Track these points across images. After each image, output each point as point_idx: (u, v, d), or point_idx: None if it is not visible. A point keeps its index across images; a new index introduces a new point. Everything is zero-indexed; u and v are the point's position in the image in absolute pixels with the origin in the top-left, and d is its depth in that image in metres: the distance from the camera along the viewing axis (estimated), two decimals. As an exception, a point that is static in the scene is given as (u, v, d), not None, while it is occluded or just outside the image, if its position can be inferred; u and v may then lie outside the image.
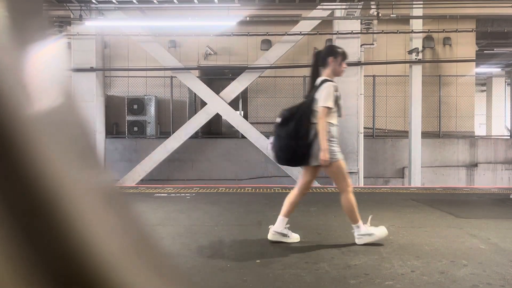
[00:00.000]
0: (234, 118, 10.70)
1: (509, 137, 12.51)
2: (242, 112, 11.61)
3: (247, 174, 11.08)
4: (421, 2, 10.18)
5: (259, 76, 11.15)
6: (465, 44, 12.32)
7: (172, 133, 10.92)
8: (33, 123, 0.36)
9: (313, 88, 3.42)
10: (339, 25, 9.86)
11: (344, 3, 9.63)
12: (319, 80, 3.39)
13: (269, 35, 11.00)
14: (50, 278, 0.35)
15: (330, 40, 11.47)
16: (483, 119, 16.91)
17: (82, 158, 0.40)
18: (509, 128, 13.71)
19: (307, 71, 11.56)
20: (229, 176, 11.08)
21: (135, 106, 11.72)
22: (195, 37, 11.32)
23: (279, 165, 10.51)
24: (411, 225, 4.11)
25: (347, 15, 9.81)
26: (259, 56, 11.34)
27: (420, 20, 10.55)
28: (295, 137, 3.27)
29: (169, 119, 11.76)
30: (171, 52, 11.54)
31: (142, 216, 0.46)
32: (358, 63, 9.90)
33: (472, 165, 11.38)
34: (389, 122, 11.95)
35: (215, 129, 13.20)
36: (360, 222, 3.38)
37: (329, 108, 3.26)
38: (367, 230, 3.38)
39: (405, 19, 10.59)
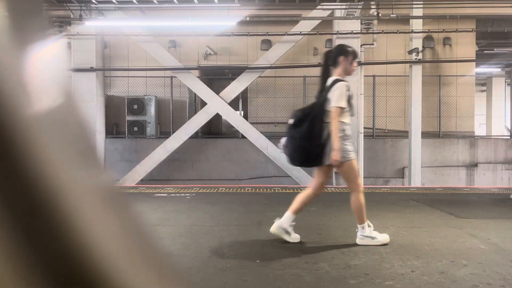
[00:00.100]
0: (234, 118, 10.70)
1: (509, 137, 12.51)
2: (242, 112, 11.61)
3: (247, 174, 11.08)
4: (421, 2, 10.17)
5: (259, 76, 11.15)
6: (465, 44, 12.32)
7: (172, 133, 10.92)
8: (33, 123, 0.36)
9: (324, 88, 3.40)
10: (339, 25, 9.86)
11: (344, 3, 9.62)
12: (330, 79, 3.38)
13: (269, 35, 11.00)
14: (50, 278, 0.35)
15: (330, 40, 11.47)
16: (483, 119, 16.91)
17: (82, 158, 0.40)
18: (509, 128, 13.71)
19: (307, 71, 11.59)
20: (229, 176, 11.07)
21: (135, 106, 11.72)
22: (195, 37, 11.32)
23: (279, 166, 10.53)
24: (411, 225, 4.11)
25: (347, 15, 9.81)
26: (259, 56, 11.34)
27: (420, 20, 10.55)
28: (309, 138, 3.27)
29: (169, 119, 11.76)
30: (171, 52, 11.54)
31: (142, 216, 0.46)
32: (358, 63, 9.88)
33: (472, 165, 11.38)
34: (389, 122, 11.95)
35: (215, 129, 13.20)
36: (366, 224, 3.38)
37: (342, 108, 3.26)
38: (371, 233, 3.38)
39: (405, 19, 10.59)
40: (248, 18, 10.30)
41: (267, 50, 11.28)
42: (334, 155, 3.21)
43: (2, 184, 0.34)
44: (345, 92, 3.29)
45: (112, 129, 12.09)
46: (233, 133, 11.90)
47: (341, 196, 6.25)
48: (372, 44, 10.63)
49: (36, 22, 0.40)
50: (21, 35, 0.37)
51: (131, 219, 0.43)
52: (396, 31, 10.41)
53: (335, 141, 3.21)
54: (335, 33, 9.94)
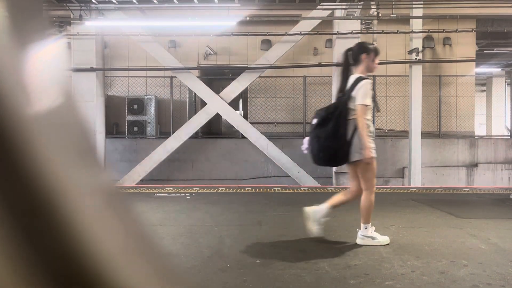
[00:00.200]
0: (234, 118, 10.70)
1: (509, 137, 12.51)
2: (242, 112, 11.61)
3: (247, 174, 11.08)
4: (421, 2, 10.17)
5: (259, 76, 11.15)
6: (465, 44, 12.32)
7: (172, 133, 10.92)
8: (33, 123, 0.36)
9: (345, 86, 3.38)
10: (339, 25, 9.86)
11: (344, 3, 9.63)
12: (352, 77, 3.37)
13: (269, 35, 11.00)
14: (50, 278, 0.35)
15: (330, 40, 11.47)
16: (483, 119, 16.92)
17: (82, 158, 0.40)
18: (509, 128, 13.71)
19: (307, 71, 11.59)
20: (229, 176, 11.07)
21: (135, 106, 11.72)
22: (195, 37, 11.32)
23: (279, 166, 10.53)
24: (411, 225, 4.11)
25: (347, 15, 9.81)
26: (259, 56, 11.34)
27: (420, 20, 10.55)
28: (335, 137, 3.25)
29: (169, 119, 11.76)
30: (171, 52, 11.54)
31: (142, 216, 0.46)
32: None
33: (472, 165, 11.38)
34: (389, 122, 11.95)
35: (215, 129, 13.20)
36: (370, 224, 3.39)
37: (367, 106, 3.26)
38: (372, 234, 3.39)
39: (405, 19, 10.59)
40: (248, 18, 10.30)
41: (267, 50, 11.28)
42: (366, 153, 3.21)
43: (2, 184, 0.34)
44: (370, 90, 3.29)
45: (112, 129, 12.09)
46: (233, 133, 11.90)
47: (341, 196, 6.25)
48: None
49: (36, 22, 0.40)
50: (21, 35, 0.37)
51: (131, 219, 0.43)
52: (396, 31, 10.41)
53: (364, 139, 3.21)
54: (335, 33, 9.95)
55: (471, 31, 11.49)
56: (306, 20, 10.54)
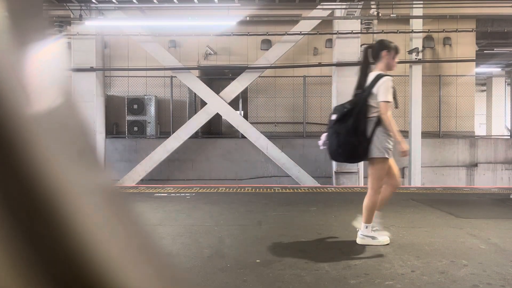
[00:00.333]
0: (234, 118, 10.69)
1: (509, 137, 12.51)
2: (242, 112, 11.60)
3: (247, 174, 11.08)
4: (421, 2, 10.17)
5: (259, 76, 11.15)
6: (465, 44, 12.32)
7: (172, 133, 10.92)
8: (33, 123, 0.36)
9: (364, 82, 3.39)
10: (339, 25, 9.86)
11: (344, 3, 9.62)
12: (372, 74, 3.38)
13: (269, 35, 11.00)
14: (50, 278, 0.35)
15: (330, 40, 11.47)
16: (483, 119, 16.91)
17: (82, 158, 0.40)
18: (509, 128, 13.71)
19: (307, 71, 11.59)
20: (229, 176, 11.07)
21: (135, 106, 11.71)
22: (195, 37, 11.32)
23: (279, 166, 10.53)
24: (411, 225, 4.11)
25: (347, 15, 9.81)
26: (259, 56, 11.33)
27: (420, 20, 10.54)
28: (355, 133, 3.25)
29: (169, 119, 11.76)
30: (171, 52, 11.53)
31: (142, 216, 0.46)
32: (358, 63, 9.88)
33: (472, 165, 11.38)
34: (389, 122, 11.93)
35: (215, 129, 13.20)
36: (371, 224, 3.39)
37: (389, 102, 3.27)
38: (373, 234, 3.39)
39: (405, 19, 10.59)
40: (248, 18, 10.30)
41: (267, 50, 11.28)
42: (402, 147, 3.23)
43: (2, 184, 0.34)
44: (391, 87, 3.29)
45: (112, 129, 12.09)
46: (233, 133, 11.90)
47: (341, 196, 6.26)
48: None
49: (36, 22, 0.40)
50: (21, 35, 0.37)
51: (131, 219, 0.43)
52: (396, 31, 10.41)
53: (395, 134, 3.23)
54: (335, 33, 9.95)
55: (471, 31, 11.48)
56: (306, 20, 10.54)
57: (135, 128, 11.73)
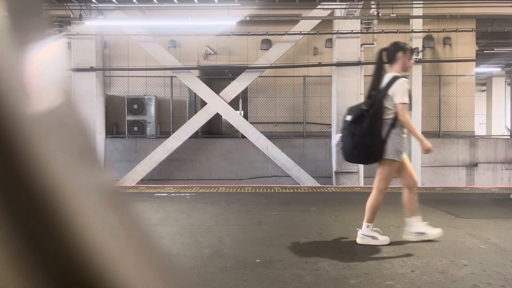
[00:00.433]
0: (234, 118, 10.69)
1: (509, 137, 12.51)
2: (242, 112, 11.60)
3: (247, 174, 11.08)
4: (421, 2, 10.17)
5: (259, 76, 11.15)
6: (465, 44, 12.32)
7: (172, 133, 10.92)
8: (33, 123, 0.36)
9: (378, 84, 3.39)
10: (339, 25, 9.86)
11: (344, 3, 9.62)
12: (388, 76, 3.39)
13: (269, 35, 11.00)
14: (50, 278, 0.35)
15: (330, 40, 11.47)
16: (483, 119, 16.91)
17: (82, 158, 0.40)
18: (509, 128, 13.71)
19: (307, 71, 11.59)
20: (229, 176, 11.07)
21: (135, 106, 11.71)
22: (195, 37, 11.31)
23: (279, 166, 10.53)
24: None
25: (347, 14, 9.81)
26: (259, 56, 11.33)
27: (420, 20, 10.54)
28: (370, 134, 3.26)
29: (169, 119, 11.75)
30: (171, 52, 11.53)
31: (142, 216, 0.46)
32: (358, 63, 9.89)
33: (472, 165, 11.38)
34: (389, 122, 11.93)
35: (215, 129, 13.19)
36: (372, 224, 3.39)
37: (406, 104, 3.28)
38: (373, 233, 3.39)
39: (405, 19, 10.58)
40: (248, 17, 10.30)
41: (267, 50, 11.27)
42: (425, 145, 3.25)
43: (2, 184, 0.34)
44: (407, 88, 3.31)
45: (112, 129, 12.09)
46: (233, 133, 11.90)
47: (341, 196, 6.26)
48: (372, 44, 10.63)
49: (36, 22, 0.40)
50: (21, 35, 0.37)
51: (131, 219, 0.43)
52: (396, 30, 10.41)
53: (416, 134, 3.25)
54: (335, 33, 9.94)
55: (471, 31, 11.48)
56: (306, 20, 10.53)
57: (135, 128, 11.73)
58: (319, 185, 9.64)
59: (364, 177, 10.08)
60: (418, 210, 3.54)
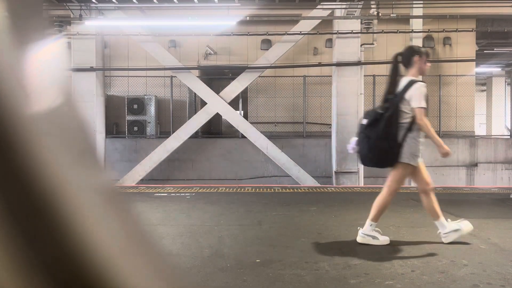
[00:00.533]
0: (234, 117, 10.70)
1: (509, 137, 12.51)
2: (242, 112, 11.60)
3: (247, 174, 11.08)
4: (421, 2, 10.17)
5: (259, 76, 11.15)
6: (465, 44, 12.32)
7: (172, 133, 10.92)
8: (33, 123, 0.36)
9: (394, 88, 3.40)
10: (339, 25, 9.86)
11: (344, 3, 9.62)
12: (404, 80, 3.39)
13: (269, 35, 11.00)
14: (50, 279, 0.35)
15: (330, 40, 11.47)
16: (483, 119, 16.91)
17: (82, 158, 0.40)
18: (509, 128, 13.71)
19: (307, 71, 11.58)
20: (229, 176, 11.07)
21: (135, 106, 11.71)
22: (195, 37, 11.32)
23: (279, 165, 10.53)
24: (411, 225, 4.11)
25: (347, 14, 9.81)
26: (259, 56, 11.33)
27: (420, 20, 10.54)
28: (386, 138, 3.26)
29: (169, 119, 11.75)
30: (171, 52, 11.53)
31: (142, 216, 0.46)
32: (358, 63, 9.89)
33: (472, 165, 11.38)
34: (389, 122, 11.93)
35: (215, 129, 13.20)
36: (375, 224, 3.39)
37: (424, 108, 3.28)
38: (374, 233, 3.39)
39: (405, 19, 10.58)
40: (248, 17, 10.30)
41: (267, 49, 11.27)
42: (443, 149, 3.27)
43: (2, 184, 0.34)
44: (425, 92, 3.31)
45: (112, 129, 12.09)
46: (233, 133, 11.90)
47: (341, 196, 6.26)
48: (372, 44, 10.64)
49: (36, 22, 0.40)
50: (21, 35, 0.37)
51: (131, 219, 0.43)
52: (396, 30, 10.41)
53: (435, 139, 3.26)
54: (335, 33, 9.94)
55: (471, 31, 11.48)
56: (306, 19, 10.54)
57: (135, 128, 11.73)
58: (319, 185, 9.64)
59: (364, 177, 10.08)
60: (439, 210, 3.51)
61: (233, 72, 11.98)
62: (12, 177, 0.34)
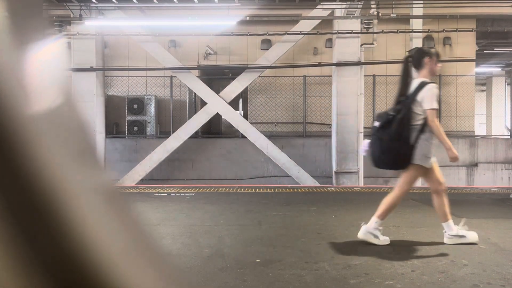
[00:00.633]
0: (234, 117, 10.70)
1: (509, 137, 12.51)
2: (242, 112, 11.60)
3: (247, 174, 11.08)
4: (421, 2, 10.17)
5: (259, 76, 11.15)
6: (465, 44, 12.32)
7: (172, 133, 10.92)
8: (33, 123, 0.36)
9: (405, 90, 3.41)
10: (339, 25, 9.86)
11: (344, 3, 9.62)
12: (416, 82, 3.40)
13: (269, 34, 11.00)
14: (50, 278, 0.35)
15: (330, 40, 11.47)
16: (483, 119, 16.91)
17: (82, 158, 0.40)
18: (509, 128, 13.71)
19: (307, 71, 11.59)
20: (229, 176, 11.07)
21: (135, 106, 11.71)
22: (195, 37, 11.31)
23: (279, 165, 10.53)
24: (411, 225, 4.11)
25: (347, 14, 9.81)
26: (259, 56, 11.33)
27: (420, 20, 10.54)
28: (398, 140, 3.27)
29: (169, 119, 11.76)
30: (171, 52, 11.53)
31: (142, 216, 0.46)
32: (358, 63, 9.89)
33: (472, 165, 11.38)
34: (389, 122, 11.93)
35: (215, 129, 13.20)
36: (381, 222, 3.39)
37: (436, 109, 3.29)
38: (377, 232, 3.39)
39: (405, 19, 10.58)
40: (248, 17, 10.30)
41: (267, 49, 11.27)
42: (451, 153, 3.26)
43: (2, 184, 0.34)
44: (436, 94, 3.32)
45: (112, 129, 12.09)
46: (233, 133, 11.90)
47: (341, 196, 6.26)
48: (372, 44, 10.64)
49: (36, 22, 0.40)
50: (21, 34, 0.37)
51: (131, 219, 0.43)
52: (396, 30, 10.41)
53: (444, 141, 3.25)
54: (335, 33, 9.95)
55: (471, 31, 11.48)
56: (306, 19, 10.54)
57: (135, 128, 11.73)
58: (319, 185, 9.64)
59: (364, 177, 10.08)
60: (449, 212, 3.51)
61: (233, 72, 11.98)
62: (12, 177, 0.34)
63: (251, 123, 11.03)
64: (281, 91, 12.18)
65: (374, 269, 2.81)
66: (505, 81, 16.99)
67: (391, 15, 9.82)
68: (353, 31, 9.76)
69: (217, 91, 10.81)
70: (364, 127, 10.27)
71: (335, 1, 9.63)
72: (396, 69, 12.98)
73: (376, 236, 3.38)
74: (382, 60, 11.58)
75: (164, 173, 11.07)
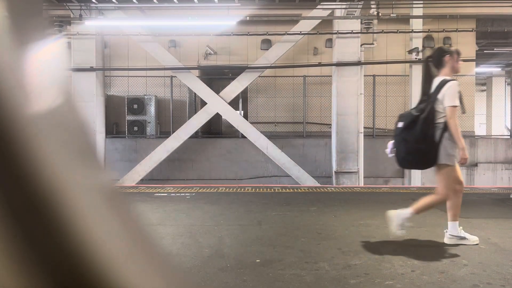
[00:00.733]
0: (234, 117, 10.70)
1: (509, 137, 12.51)
2: (242, 112, 11.60)
3: (247, 174, 11.08)
4: (421, 2, 10.17)
5: (259, 76, 11.15)
6: (465, 44, 12.31)
7: (172, 133, 10.92)
8: (33, 123, 0.36)
9: (428, 89, 3.40)
10: (339, 25, 9.86)
11: (344, 3, 9.62)
12: (437, 80, 3.40)
13: (269, 34, 10.99)
14: (50, 278, 0.35)
15: (330, 40, 11.47)
16: (483, 119, 16.91)
17: (82, 158, 0.40)
18: (509, 128, 13.71)
19: (307, 71, 11.59)
20: (229, 176, 11.07)
21: (135, 106, 11.71)
22: (195, 37, 11.32)
23: (279, 165, 10.53)
24: (411, 225, 4.11)
25: (347, 14, 9.81)
26: (259, 56, 11.33)
27: (420, 20, 10.53)
28: (424, 140, 3.27)
29: (169, 119, 11.76)
30: (171, 52, 11.53)
31: (142, 216, 0.46)
32: (358, 63, 9.89)
33: (472, 165, 11.38)
34: (389, 121, 11.93)
35: (215, 129, 13.20)
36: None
37: (456, 107, 3.28)
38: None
39: (405, 19, 10.58)
40: (248, 17, 10.30)
41: (267, 49, 11.27)
42: (462, 154, 3.24)
43: (2, 184, 0.34)
44: (457, 91, 3.31)
45: (112, 129, 12.09)
46: (233, 133, 11.90)
47: (341, 196, 6.25)
48: (372, 44, 10.64)
49: (36, 22, 0.40)
50: (21, 35, 0.37)
51: (131, 219, 0.43)
52: (396, 30, 10.41)
53: (459, 140, 3.24)
54: (335, 33, 9.95)
55: (471, 31, 11.48)
56: (306, 19, 10.53)
57: (135, 128, 11.73)
58: (319, 185, 9.64)
59: (364, 177, 10.09)
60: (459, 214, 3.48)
61: (233, 72, 11.98)
62: (12, 177, 0.34)
63: (251, 123, 11.03)
64: (281, 91, 12.18)
65: (374, 269, 2.81)
66: (505, 81, 16.99)
67: (391, 15, 9.82)
68: (353, 31, 9.76)
69: (217, 91, 10.81)
70: (364, 127, 10.28)
71: (335, 1, 9.63)
72: (396, 69, 13.06)
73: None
74: (382, 60, 11.59)
75: (164, 173, 11.07)
